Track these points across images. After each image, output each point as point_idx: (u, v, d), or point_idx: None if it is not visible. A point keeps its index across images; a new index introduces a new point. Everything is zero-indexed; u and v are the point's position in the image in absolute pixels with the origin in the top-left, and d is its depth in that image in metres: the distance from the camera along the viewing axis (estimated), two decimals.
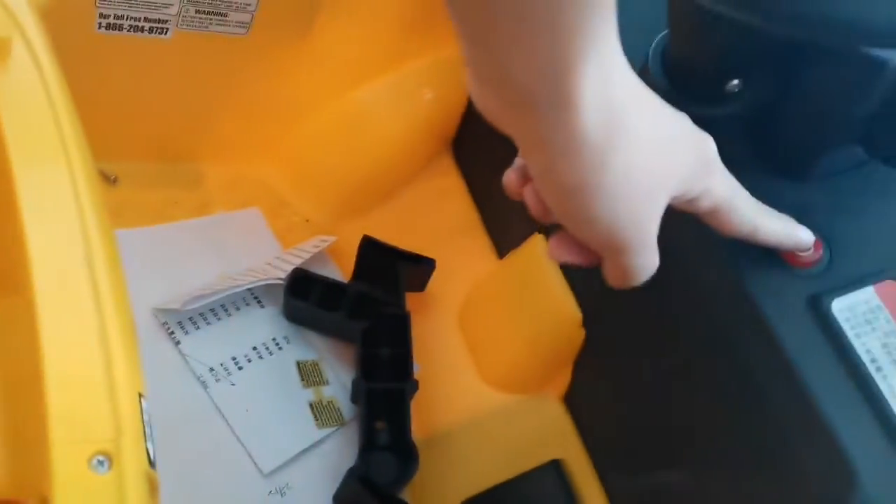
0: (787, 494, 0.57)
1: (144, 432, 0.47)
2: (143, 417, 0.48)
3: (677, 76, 0.58)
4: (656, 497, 0.74)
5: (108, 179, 0.87)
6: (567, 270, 0.80)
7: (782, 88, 0.57)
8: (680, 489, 0.71)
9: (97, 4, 0.74)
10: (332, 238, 0.91)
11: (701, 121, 0.59)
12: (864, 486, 0.51)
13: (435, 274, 0.90)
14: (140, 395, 0.48)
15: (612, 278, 0.51)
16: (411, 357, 0.83)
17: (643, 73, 0.60)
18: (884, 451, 0.52)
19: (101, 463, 0.44)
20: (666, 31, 0.58)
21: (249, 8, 0.80)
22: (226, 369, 0.79)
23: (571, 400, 0.85)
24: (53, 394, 0.45)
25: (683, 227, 0.61)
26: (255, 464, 0.76)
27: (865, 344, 0.55)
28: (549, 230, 0.83)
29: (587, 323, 0.79)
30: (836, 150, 0.59)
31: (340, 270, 0.91)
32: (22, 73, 0.59)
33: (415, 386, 0.81)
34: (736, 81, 0.56)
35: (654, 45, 0.59)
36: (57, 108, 0.58)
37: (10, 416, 0.57)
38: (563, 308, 0.79)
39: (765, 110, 0.59)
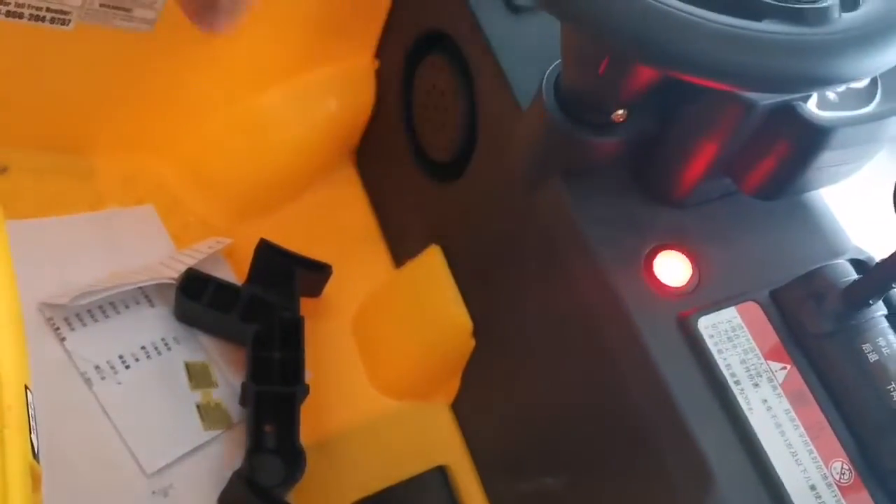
0: (653, 496, 0.61)
1: (30, 424, 0.47)
2: (28, 410, 0.48)
3: (568, 103, 0.62)
4: (537, 501, 0.78)
5: None
6: (460, 281, 0.83)
7: (663, 121, 0.62)
8: (559, 493, 0.74)
9: None
10: (227, 240, 0.91)
11: (588, 147, 0.63)
12: (720, 489, 0.56)
13: (331, 280, 0.91)
14: (26, 388, 0.48)
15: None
16: (303, 361, 0.84)
17: (536, 100, 0.63)
18: (739, 457, 0.57)
19: None
20: (559, 61, 0.62)
21: (156, 5, 0.79)
22: (112, 367, 0.78)
23: (459, 407, 0.88)
24: None
25: (570, 244, 0.65)
26: (138, 463, 0.75)
27: (726, 359, 0.60)
28: (444, 242, 0.86)
29: (477, 332, 0.82)
30: (707, 180, 0.64)
31: (235, 273, 0.91)
32: None
33: (305, 390, 0.82)
34: (621, 112, 0.61)
35: (547, 73, 0.63)
36: None
37: None
38: (455, 317, 0.82)
39: (646, 140, 0.63)
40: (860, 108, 0.60)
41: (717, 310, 0.61)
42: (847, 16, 0.49)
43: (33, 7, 0.75)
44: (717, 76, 0.46)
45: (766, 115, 0.58)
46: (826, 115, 0.58)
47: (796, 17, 0.48)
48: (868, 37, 0.46)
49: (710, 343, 0.60)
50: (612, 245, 0.62)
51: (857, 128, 0.59)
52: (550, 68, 0.63)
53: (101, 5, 0.77)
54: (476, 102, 0.78)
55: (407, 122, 0.91)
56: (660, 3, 0.45)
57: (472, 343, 0.82)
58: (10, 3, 0.74)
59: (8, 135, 0.83)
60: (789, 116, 0.58)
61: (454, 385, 0.87)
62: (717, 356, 0.60)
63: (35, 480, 0.47)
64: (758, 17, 0.49)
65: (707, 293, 0.62)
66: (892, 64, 0.49)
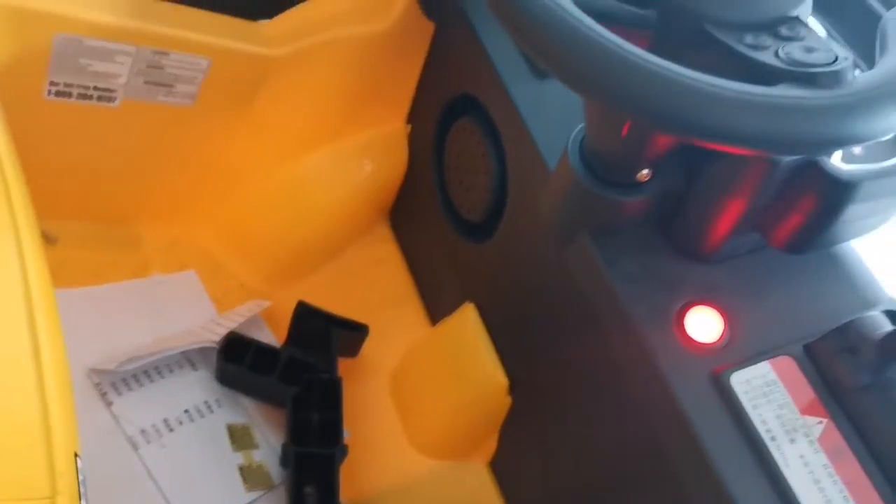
0: None
1: (79, 491, 0.49)
2: (78, 477, 0.49)
3: (594, 164, 0.63)
4: None
5: (48, 239, 0.88)
6: (495, 338, 0.84)
7: (688, 179, 0.63)
8: None
9: (48, 72, 0.77)
10: (266, 302, 0.93)
11: (615, 206, 0.64)
12: None
13: (368, 340, 0.93)
14: (76, 455, 0.50)
15: None
16: (341, 422, 0.85)
17: (562, 162, 0.65)
18: None
19: None
20: (583, 125, 0.63)
21: (196, 80, 0.83)
22: (157, 431, 0.80)
23: (497, 465, 0.88)
24: None
25: (601, 301, 0.66)
26: None
27: (762, 415, 0.60)
28: (479, 300, 0.87)
29: (513, 389, 0.82)
30: (736, 235, 0.64)
31: (274, 334, 0.93)
32: None
33: (344, 451, 0.83)
34: (646, 171, 0.62)
35: (572, 136, 0.64)
36: (4, 169, 0.60)
37: None
38: (491, 376, 0.83)
39: (673, 198, 0.64)
40: (885, 160, 0.61)
41: (751, 365, 0.61)
42: (861, 76, 0.50)
43: (81, 87, 0.80)
44: (735, 142, 0.47)
45: (790, 172, 0.59)
46: (850, 168, 0.59)
47: (811, 80, 0.49)
48: (883, 97, 0.47)
49: (744, 399, 0.60)
50: (642, 302, 0.63)
51: (882, 180, 0.59)
52: (576, 131, 0.65)
53: (144, 82, 0.81)
54: (505, 164, 0.80)
55: (439, 184, 0.93)
56: (677, 74, 0.46)
57: (509, 401, 0.83)
58: (59, 84, 0.79)
59: (58, 207, 0.87)
60: (813, 172, 0.59)
61: (492, 443, 0.88)
62: (751, 412, 0.59)
63: None
64: (773, 83, 0.50)
65: (740, 348, 0.62)
66: None
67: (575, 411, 0.76)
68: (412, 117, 0.98)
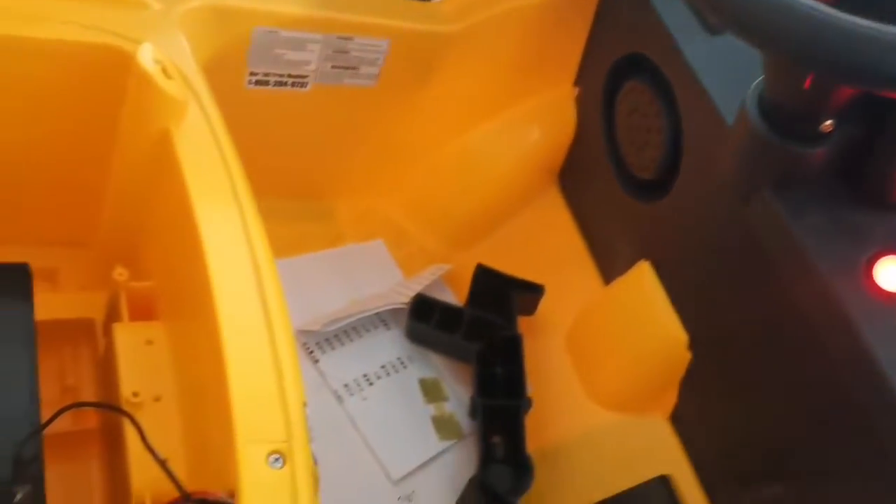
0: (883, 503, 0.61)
1: (308, 435, 0.56)
2: (307, 423, 0.56)
3: (774, 117, 0.63)
4: None
5: None
6: (672, 295, 0.85)
7: (873, 126, 0.62)
8: (787, 501, 0.74)
9: (248, 63, 0.85)
10: (447, 266, 0.99)
11: (797, 157, 0.64)
12: None
13: (544, 299, 0.97)
14: (304, 404, 0.57)
15: None
16: (524, 376, 0.89)
17: (741, 116, 0.65)
18: None
19: (276, 460, 0.53)
20: (761, 78, 0.63)
21: (378, 62, 0.89)
22: (358, 385, 0.88)
23: (678, 418, 0.89)
24: (238, 403, 0.54)
25: (786, 255, 0.66)
26: (385, 471, 0.84)
27: None
28: (653, 258, 0.88)
29: (693, 345, 0.84)
30: None
31: (456, 296, 0.99)
32: (195, 127, 0.69)
33: (529, 403, 0.87)
34: (829, 122, 0.61)
35: (751, 89, 0.64)
36: (225, 155, 0.68)
37: (192, 423, 0.66)
38: (670, 331, 0.84)
39: (857, 146, 0.63)
40: None
41: None
42: None
43: (277, 75, 0.87)
44: None
45: None
46: None
47: None
48: None
49: None
50: (830, 254, 0.63)
51: None
52: (754, 84, 0.65)
53: (332, 67, 0.88)
54: (680, 120, 0.80)
55: (609, 144, 0.95)
56: (865, 27, 0.46)
57: (688, 355, 0.84)
58: (258, 74, 0.87)
59: (260, 186, 0.96)
60: None
61: (671, 397, 0.89)
62: None
63: (316, 483, 0.55)
64: None
65: None
66: None
67: (757, 365, 0.76)
68: (579, 80, 0.99)
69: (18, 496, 0.55)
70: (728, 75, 0.73)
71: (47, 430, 0.60)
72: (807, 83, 0.57)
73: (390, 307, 0.92)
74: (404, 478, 0.84)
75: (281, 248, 0.96)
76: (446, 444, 0.87)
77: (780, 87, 0.61)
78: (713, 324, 0.81)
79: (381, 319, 0.94)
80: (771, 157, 0.64)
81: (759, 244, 0.69)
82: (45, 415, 0.60)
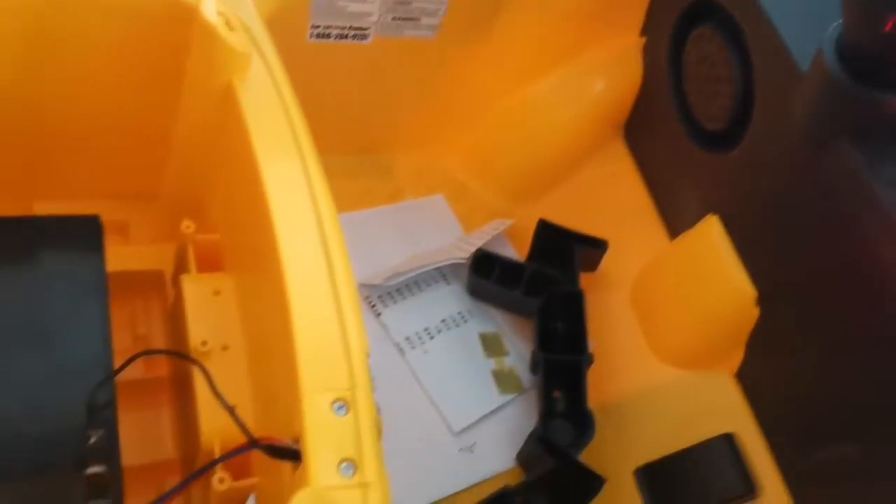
0: None
1: (372, 384, 0.56)
2: (370, 372, 0.57)
3: (852, 63, 0.60)
4: (831, 470, 0.76)
5: None
6: (740, 250, 0.83)
7: None
8: (855, 463, 0.73)
9: (310, 16, 0.85)
10: (509, 221, 0.98)
11: (876, 105, 0.61)
12: None
13: (607, 255, 0.95)
14: (367, 354, 0.57)
15: None
16: (586, 332, 0.89)
17: (817, 62, 0.62)
18: None
19: (340, 408, 0.53)
20: (839, 21, 0.60)
21: (439, 13, 0.88)
22: (419, 338, 0.89)
23: (744, 376, 0.88)
24: (303, 352, 0.55)
25: (863, 207, 0.63)
26: (446, 423, 0.84)
27: None
28: (721, 212, 0.86)
29: (762, 301, 0.82)
30: None
31: (517, 251, 0.98)
32: (259, 80, 0.69)
33: (590, 359, 0.87)
34: None
35: (828, 33, 0.61)
36: (288, 108, 0.69)
37: (258, 371, 0.68)
38: (738, 286, 0.82)
39: None
40: None
41: None
42: None
43: (339, 27, 0.87)
44: None
45: None
46: None
47: None
48: None
49: None
50: None
51: None
52: (831, 28, 0.62)
53: (393, 19, 0.87)
54: (751, 68, 0.78)
55: (677, 95, 0.92)
56: None
57: (757, 312, 0.82)
58: (319, 27, 0.86)
59: (321, 141, 0.96)
60: None
61: (738, 354, 0.87)
62: None
63: (378, 431, 0.56)
64: None
65: None
66: None
67: (830, 321, 0.74)
68: (646, 28, 0.96)
69: (93, 439, 0.57)
70: (803, 19, 0.70)
71: (120, 378, 0.61)
72: (889, 25, 0.54)
73: (451, 262, 0.92)
74: (465, 430, 0.85)
75: (341, 202, 0.97)
76: (507, 397, 0.88)
77: (859, 30, 0.58)
78: (784, 279, 0.79)
79: (442, 274, 0.94)
80: (848, 104, 0.62)
81: (834, 197, 0.67)
82: (118, 362, 0.62)
